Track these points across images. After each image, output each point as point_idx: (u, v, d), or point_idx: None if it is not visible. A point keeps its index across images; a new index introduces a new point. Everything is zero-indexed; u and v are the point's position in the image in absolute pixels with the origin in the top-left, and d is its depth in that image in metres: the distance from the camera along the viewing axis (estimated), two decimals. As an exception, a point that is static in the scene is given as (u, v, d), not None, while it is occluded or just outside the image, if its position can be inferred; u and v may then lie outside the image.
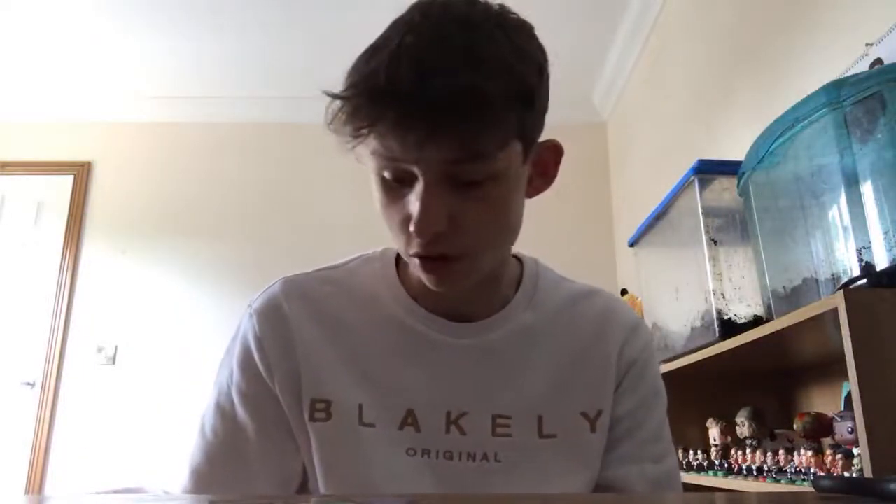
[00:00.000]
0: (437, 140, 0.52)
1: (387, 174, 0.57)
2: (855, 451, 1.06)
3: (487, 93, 0.52)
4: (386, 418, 0.64)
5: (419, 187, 0.55)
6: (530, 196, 0.65)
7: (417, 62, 0.52)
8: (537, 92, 0.58)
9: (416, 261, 0.59)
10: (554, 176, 0.67)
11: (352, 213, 3.56)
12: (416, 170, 0.55)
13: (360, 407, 0.64)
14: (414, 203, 0.55)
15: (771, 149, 1.20)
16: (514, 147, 0.57)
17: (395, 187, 0.57)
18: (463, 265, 0.59)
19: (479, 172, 0.55)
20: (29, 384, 3.38)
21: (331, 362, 0.65)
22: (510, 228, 0.62)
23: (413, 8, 0.57)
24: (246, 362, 0.66)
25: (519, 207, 0.62)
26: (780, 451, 1.32)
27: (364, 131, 0.54)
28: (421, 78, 0.51)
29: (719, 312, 1.41)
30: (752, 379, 1.69)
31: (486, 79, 0.52)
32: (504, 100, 0.53)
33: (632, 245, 2.03)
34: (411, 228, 0.56)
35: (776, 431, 1.52)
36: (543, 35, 0.61)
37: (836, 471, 1.09)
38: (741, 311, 1.41)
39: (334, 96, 0.55)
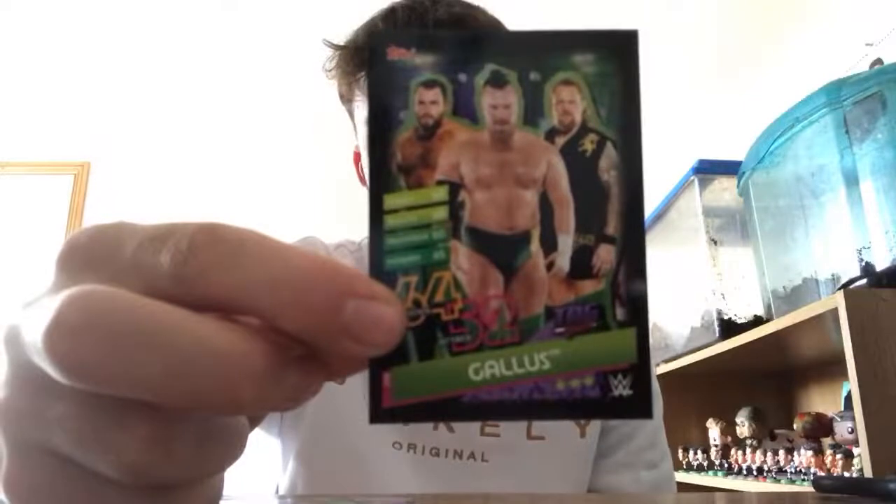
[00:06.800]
0: None
1: None
2: (855, 451, 1.06)
3: (481, 21, 0.61)
4: None
5: None
6: None
7: (411, 8, 0.60)
8: None
9: None
10: None
11: (350, 213, 3.58)
12: None
13: (344, 400, 0.63)
14: None
15: (771, 149, 1.20)
16: None
17: None
18: None
19: None
20: (29, 384, 3.38)
21: None
22: None
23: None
24: None
25: None
26: (780, 451, 1.32)
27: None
28: (418, 8, 0.59)
29: (719, 312, 1.41)
30: (752, 379, 1.69)
31: (481, 13, 0.62)
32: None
33: (632, 245, 2.02)
34: None
35: (776, 431, 1.52)
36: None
37: (836, 471, 1.09)
38: (741, 311, 1.41)
39: (334, 46, 0.60)
